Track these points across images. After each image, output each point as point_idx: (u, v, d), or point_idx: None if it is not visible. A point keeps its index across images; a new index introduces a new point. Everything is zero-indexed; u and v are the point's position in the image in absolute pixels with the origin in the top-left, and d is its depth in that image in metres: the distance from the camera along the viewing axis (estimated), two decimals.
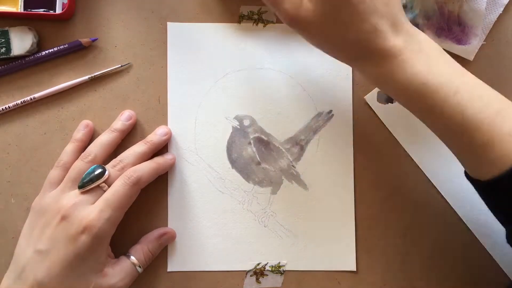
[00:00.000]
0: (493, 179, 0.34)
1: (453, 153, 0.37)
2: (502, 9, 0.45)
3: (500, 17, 0.46)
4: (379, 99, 0.46)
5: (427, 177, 0.45)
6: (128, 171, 0.41)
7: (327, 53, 0.37)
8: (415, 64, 0.34)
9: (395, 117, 0.46)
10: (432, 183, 0.45)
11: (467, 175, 0.37)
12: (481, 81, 0.36)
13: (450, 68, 0.35)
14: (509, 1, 0.46)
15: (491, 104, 0.34)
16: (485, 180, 0.34)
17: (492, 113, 0.33)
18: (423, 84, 0.33)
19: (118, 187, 0.40)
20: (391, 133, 0.46)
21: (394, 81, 0.34)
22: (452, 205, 0.45)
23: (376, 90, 0.46)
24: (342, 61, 0.37)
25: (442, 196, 0.45)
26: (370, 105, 0.46)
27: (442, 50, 0.36)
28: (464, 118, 0.33)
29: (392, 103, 0.46)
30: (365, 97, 0.46)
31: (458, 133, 0.34)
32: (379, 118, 0.46)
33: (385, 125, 0.46)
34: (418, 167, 0.46)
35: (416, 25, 0.45)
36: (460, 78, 0.34)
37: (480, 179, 0.35)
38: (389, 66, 0.34)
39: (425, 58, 0.34)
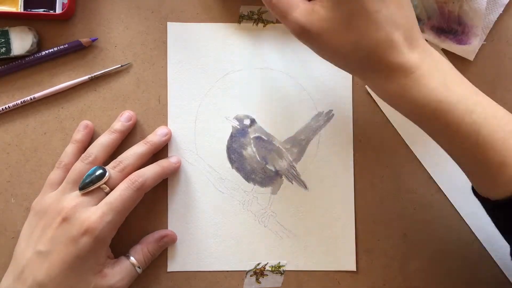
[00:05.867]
0: (504, 199, 0.33)
1: (464, 170, 0.36)
2: (502, 9, 0.45)
3: (500, 17, 0.46)
4: None
5: (428, 176, 0.45)
6: (132, 175, 0.41)
7: (336, 64, 0.36)
8: (431, 81, 0.33)
9: None
10: (434, 181, 0.45)
11: (475, 192, 0.37)
12: (493, 101, 0.35)
13: (465, 87, 0.34)
14: (509, 1, 0.46)
15: (505, 124, 0.33)
16: (495, 200, 0.34)
17: (507, 133, 0.33)
18: (439, 102, 0.33)
19: (122, 191, 0.40)
20: (391, 132, 0.46)
21: (407, 98, 0.33)
22: (454, 204, 0.45)
23: None
24: (352, 73, 0.36)
25: (443, 195, 0.45)
26: (371, 94, 0.46)
27: (455, 68, 0.35)
28: (479, 137, 0.32)
29: None
30: (366, 85, 0.46)
31: (472, 153, 0.33)
32: (379, 117, 0.46)
33: (385, 125, 0.46)
34: (419, 166, 0.46)
35: None
36: (475, 97, 0.34)
37: (490, 198, 0.34)
38: (403, 82, 0.33)
39: (441, 75, 0.33)
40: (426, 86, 0.33)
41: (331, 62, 0.36)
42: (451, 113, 0.33)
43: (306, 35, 0.33)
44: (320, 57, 0.36)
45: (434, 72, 0.33)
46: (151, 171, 0.42)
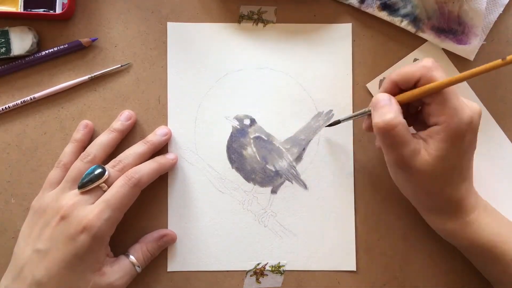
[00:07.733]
0: None
1: None
2: (502, 9, 0.45)
3: (500, 17, 0.46)
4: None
5: None
6: (129, 172, 0.41)
7: (410, 196, 0.41)
8: (486, 218, 0.38)
9: None
10: None
11: None
12: None
13: (510, 221, 0.40)
14: (509, 1, 0.46)
15: None
16: None
17: None
18: (493, 235, 0.38)
19: (119, 188, 0.40)
20: None
21: (468, 233, 0.38)
22: None
23: (378, 78, 0.46)
24: (419, 209, 0.41)
25: None
26: (372, 93, 0.46)
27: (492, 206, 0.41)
28: None
29: None
30: (366, 85, 0.46)
31: None
32: None
33: None
34: None
35: (416, 25, 0.45)
36: None
37: None
38: (465, 220, 0.38)
39: (490, 213, 0.39)
40: (482, 224, 0.38)
41: (405, 193, 0.41)
42: (505, 245, 0.38)
43: (407, 168, 0.37)
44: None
45: (485, 212, 0.39)
46: (147, 167, 0.42)
